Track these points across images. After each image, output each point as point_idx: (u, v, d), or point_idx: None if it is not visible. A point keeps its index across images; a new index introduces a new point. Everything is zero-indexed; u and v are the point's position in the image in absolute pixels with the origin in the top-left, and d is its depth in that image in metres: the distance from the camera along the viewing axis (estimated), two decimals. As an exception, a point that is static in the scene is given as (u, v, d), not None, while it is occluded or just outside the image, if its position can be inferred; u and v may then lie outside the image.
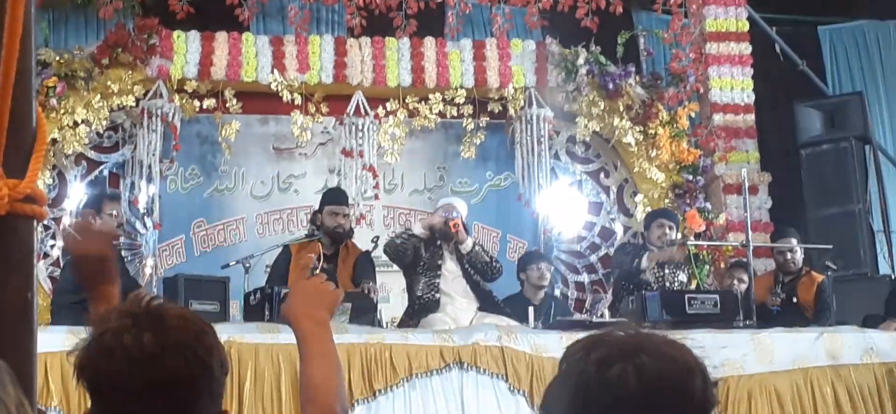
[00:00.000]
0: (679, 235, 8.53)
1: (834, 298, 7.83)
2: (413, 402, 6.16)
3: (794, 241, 8.38)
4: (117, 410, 1.66)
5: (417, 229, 7.70)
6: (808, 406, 6.53)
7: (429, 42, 10.07)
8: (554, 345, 6.47)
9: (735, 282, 8.41)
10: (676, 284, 8.11)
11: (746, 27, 10.32)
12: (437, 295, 7.49)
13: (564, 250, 10.23)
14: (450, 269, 7.62)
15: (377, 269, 7.94)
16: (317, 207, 7.89)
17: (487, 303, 7.57)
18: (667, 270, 8.14)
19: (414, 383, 6.17)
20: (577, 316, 8.67)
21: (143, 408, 1.65)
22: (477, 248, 7.68)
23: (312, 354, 2.20)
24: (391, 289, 9.09)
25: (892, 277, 8.85)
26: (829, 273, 8.12)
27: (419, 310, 7.50)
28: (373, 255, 7.78)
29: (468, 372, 6.27)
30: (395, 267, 7.99)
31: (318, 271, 6.74)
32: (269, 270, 7.77)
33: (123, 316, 1.69)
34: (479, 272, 7.65)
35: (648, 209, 9.61)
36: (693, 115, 10.26)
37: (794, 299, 8.16)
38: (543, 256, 8.76)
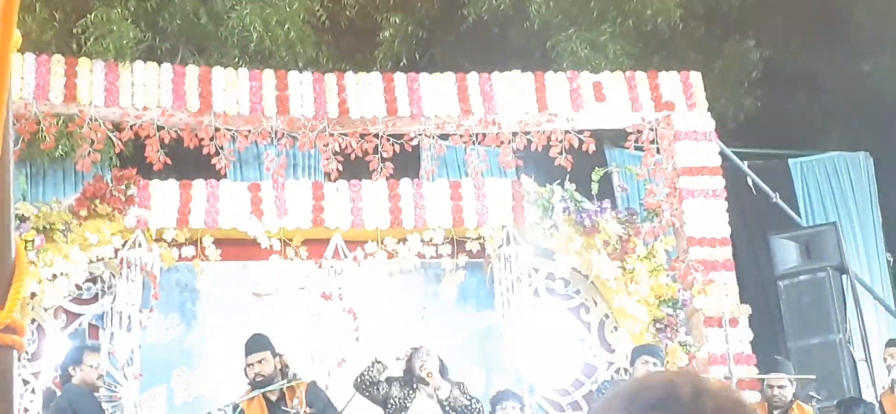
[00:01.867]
0: (664, 370, 8.50)
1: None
2: None
3: (785, 377, 8.33)
4: None
5: (391, 368, 7.71)
6: None
7: (405, 183, 10.16)
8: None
9: None
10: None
11: (718, 162, 10.45)
12: None
13: (549, 387, 10.16)
14: (421, 411, 7.62)
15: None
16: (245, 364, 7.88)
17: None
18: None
19: None
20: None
21: None
22: (454, 392, 7.67)
23: None
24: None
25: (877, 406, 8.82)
26: (814, 403, 8.10)
27: None
28: (355, 399, 7.76)
29: None
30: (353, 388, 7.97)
31: None
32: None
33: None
34: None
35: (631, 344, 9.59)
36: (670, 249, 10.31)
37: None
38: (512, 394, 8.66)
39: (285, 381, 7.56)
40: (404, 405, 7.62)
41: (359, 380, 7.76)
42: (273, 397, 7.51)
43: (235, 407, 7.65)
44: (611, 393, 1.51)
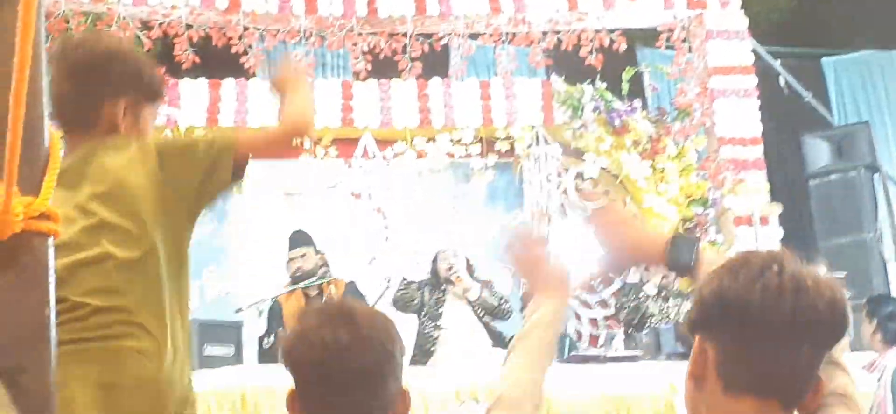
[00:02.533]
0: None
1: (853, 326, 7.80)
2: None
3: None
4: (318, 393, 1.98)
5: (419, 274, 7.75)
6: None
7: (435, 82, 10.12)
8: (568, 381, 6.46)
9: None
10: (682, 316, 8.08)
11: (750, 60, 10.34)
12: (437, 340, 7.54)
13: (577, 285, 10.19)
14: (454, 313, 7.66)
15: (390, 313, 7.98)
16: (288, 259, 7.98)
17: (499, 342, 7.58)
18: (671, 302, 8.12)
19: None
20: (591, 351, 8.63)
21: (340, 392, 1.97)
22: (484, 293, 7.71)
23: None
24: (403, 330, 9.06)
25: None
26: (842, 301, 8.08)
27: (422, 354, 7.53)
28: (385, 296, 7.82)
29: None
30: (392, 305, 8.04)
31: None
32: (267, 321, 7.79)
33: (322, 314, 2.03)
34: (489, 315, 7.69)
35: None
36: (700, 149, 10.26)
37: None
38: None
39: (323, 278, 7.63)
40: (436, 311, 7.67)
41: (395, 299, 7.82)
42: (311, 293, 7.56)
43: (273, 300, 7.74)
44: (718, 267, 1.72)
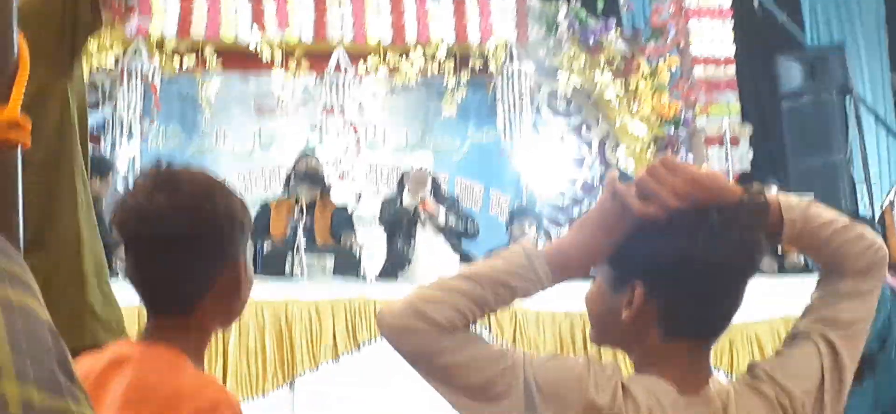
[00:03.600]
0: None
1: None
2: (397, 355, 6.18)
3: (775, 190, 8.42)
4: (138, 261, 1.90)
5: (407, 199, 7.73)
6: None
7: (409, -3, 10.05)
8: (537, 298, 6.50)
9: None
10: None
11: (726, -21, 10.32)
12: (412, 254, 7.59)
13: (547, 205, 10.24)
14: (423, 236, 7.71)
15: (361, 226, 8.02)
16: (290, 169, 8.10)
17: (468, 258, 7.63)
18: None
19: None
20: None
21: (156, 260, 1.87)
22: (451, 218, 7.74)
23: None
24: (374, 244, 9.08)
25: (874, 225, 8.89)
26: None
27: (395, 266, 7.58)
28: (356, 213, 7.85)
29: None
30: (378, 223, 8.04)
31: (299, 226, 6.80)
32: (251, 225, 7.78)
33: (146, 178, 1.91)
34: (456, 238, 7.75)
35: (631, 162, 9.62)
36: (674, 68, 10.26)
37: (778, 251, 8.19)
38: (527, 212, 8.75)
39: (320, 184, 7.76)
40: (410, 233, 7.70)
41: (384, 218, 7.88)
42: (303, 201, 7.55)
43: (262, 206, 7.77)
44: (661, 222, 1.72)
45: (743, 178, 8.73)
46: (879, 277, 1.80)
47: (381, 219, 7.89)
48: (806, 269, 7.60)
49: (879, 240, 1.78)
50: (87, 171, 2.78)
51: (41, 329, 0.91)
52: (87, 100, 2.85)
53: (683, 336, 1.71)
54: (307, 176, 7.67)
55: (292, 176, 7.89)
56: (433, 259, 7.55)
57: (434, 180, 8.00)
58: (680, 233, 1.67)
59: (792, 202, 1.74)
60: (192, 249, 1.85)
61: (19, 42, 1.68)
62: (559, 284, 1.72)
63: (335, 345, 6.10)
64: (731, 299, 1.73)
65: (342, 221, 7.72)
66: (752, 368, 1.76)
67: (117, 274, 4.52)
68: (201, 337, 1.92)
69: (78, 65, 2.78)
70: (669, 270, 1.68)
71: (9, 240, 1.63)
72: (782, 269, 7.68)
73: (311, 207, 7.58)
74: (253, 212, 7.58)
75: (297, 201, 7.51)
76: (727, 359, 6.51)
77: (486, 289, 1.67)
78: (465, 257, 7.62)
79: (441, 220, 7.68)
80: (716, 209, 1.67)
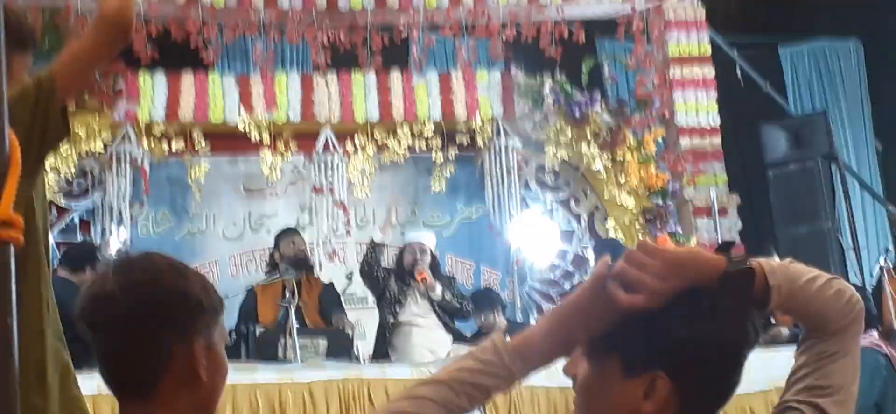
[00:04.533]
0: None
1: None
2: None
3: (776, 257, 8.42)
4: (98, 347, 1.89)
5: (386, 257, 7.73)
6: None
7: (395, 76, 10.11)
8: (532, 374, 6.47)
9: None
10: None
11: (708, 50, 10.40)
12: (397, 330, 7.55)
13: (538, 279, 10.24)
14: (416, 308, 7.67)
15: (352, 306, 7.99)
16: (272, 249, 8.01)
17: (458, 338, 7.60)
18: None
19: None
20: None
21: (112, 343, 1.87)
22: (446, 295, 7.70)
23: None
24: (367, 324, 9.05)
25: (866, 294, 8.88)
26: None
27: (386, 341, 7.54)
28: (347, 291, 7.82)
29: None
30: (370, 302, 8.01)
31: (291, 309, 6.75)
32: (238, 312, 7.74)
33: (106, 266, 1.95)
34: (449, 316, 7.72)
35: (620, 236, 9.64)
36: (660, 139, 10.31)
37: (772, 320, 8.18)
38: (492, 298, 8.42)
39: (304, 267, 7.69)
40: (400, 299, 7.65)
41: (362, 266, 7.82)
42: (289, 285, 7.46)
43: (249, 291, 7.72)
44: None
45: (720, 247, 8.74)
46: (859, 331, 1.79)
47: (362, 273, 7.84)
48: (795, 340, 7.59)
49: (856, 293, 1.76)
50: (48, 268, 2.78)
51: None
52: (47, 205, 2.84)
53: None
54: (296, 262, 7.59)
55: (278, 257, 7.80)
56: (426, 336, 7.51)
57: (432, 256, 7.92)
58: (695, 316, 1.63)
59: (773, 266, 1.73)
60: (142, 330, 1.85)
61: (11, 139, 1.69)
62: (531, 374, 1.67)
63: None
64: (740, 376, 1.70)
65: (332, 302, 7.67)
66: None
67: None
68: None
69: (42, 170, 2.78)
70: (693, 355, 1.63)
71: (4, 337, 1.63)
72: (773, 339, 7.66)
73: (297, 286, 7.53)
74: (241, 296, 7.60)
75: (284, 286, 7.43)
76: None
77: (459, 394, 1.62)
78: (458, 337, 7.59)
79: (437, 295, 7.65)
80: (721, 287, 1.65)
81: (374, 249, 7.85)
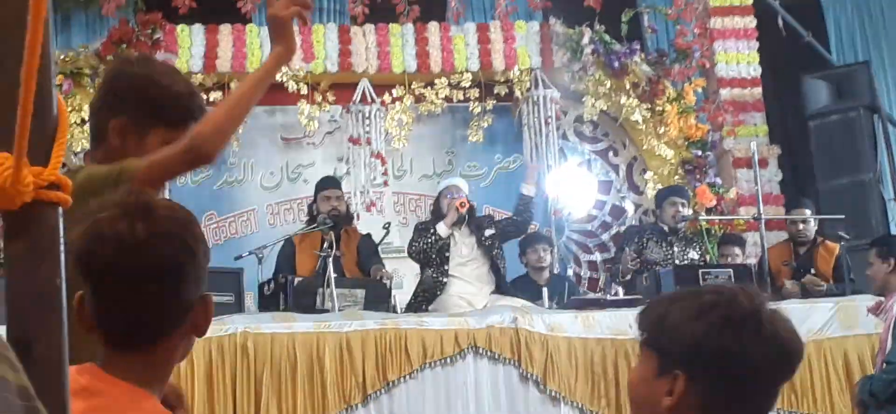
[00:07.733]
0: (690, 211, 8.55)
1: (851, 268, 7.81)
2: (427, 394, 6.17)
3: (808, 211, 8.39)
4: (110, 295, 1.79)
5: (441, 230, 7.62)
6: (817, 377, 6.53)
7: (432, 27, 10.07)
8: (569, 324, 6.50)
9: (728, 259, 8.37)
10: (686, 261, 8.10)
11: (749, 0, 10.29)
12: (445, 279, 7.50)
13: (576, 230, 10.23)
14: (462, 253, 7.61)
15: (389, 255, 7.98)
16: (312, 200, 7.96)
17: (499, 289, 7.57)
18: (675, 249, 8.14)
19: (426, 375, 6.18)
20: (591, 295, 8.64)
21: (134, 292, 1.78)
22: (486, 229, 7.69)
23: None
24: (405, 275, 9.09)
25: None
26: (842, 243, 8.08)
27: (426, 295, 7.50)
28: (385, 241, 7.79)
29: (482, 359, 6.28)
30: (407, 256, 8.00)
31: (329, 259, 6.74)
32: (276, 261, 7.75)
33: (116, 207, 1.80)
34: (510, 234, 7.72)
35: (658, 186, 9.60)
36: (700, 90, 10.24)
37: (812, 270, 8.14)
38: (541, 237, 8.66)
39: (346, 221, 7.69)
40: (444, 255, 7.59)
41: (412, 251, 7.76)
42: (327, 237, 7.40)
43: (287, 241, 7.71)
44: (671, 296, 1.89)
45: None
46: None
47: (410, 252, 7.78)
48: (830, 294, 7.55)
49: None
50: None
51: (11, 394, 1.00)
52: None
53: None
54: (333, 219, 7.45)
55: (316, 209, 7.74)
56: (468, 286, 7.50)
57: (470, 205, 7.83)
58: (725, 328, 1.74)
59: None
60: (173, 281, 1.80)
61: (59, 103, 1.69)
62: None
63: (364, 384, 6.09)
64: (769, 400, 1.81)
65: (369, 252, 7.65)
66: None
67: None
68: (165, 373, 1.88)
69: None
70: (712, 362, 1.74)
71: (53, 297, 1.64)
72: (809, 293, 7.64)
73: (336, 238, 7.51)
74: (279, 246, 7.61)
75: (322, 236, 7.39)
76: None
77: None
78: (500, 285, 7.57)
79: (490, 230, 7.64)
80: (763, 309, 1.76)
81: (422, 233, 7.75)
